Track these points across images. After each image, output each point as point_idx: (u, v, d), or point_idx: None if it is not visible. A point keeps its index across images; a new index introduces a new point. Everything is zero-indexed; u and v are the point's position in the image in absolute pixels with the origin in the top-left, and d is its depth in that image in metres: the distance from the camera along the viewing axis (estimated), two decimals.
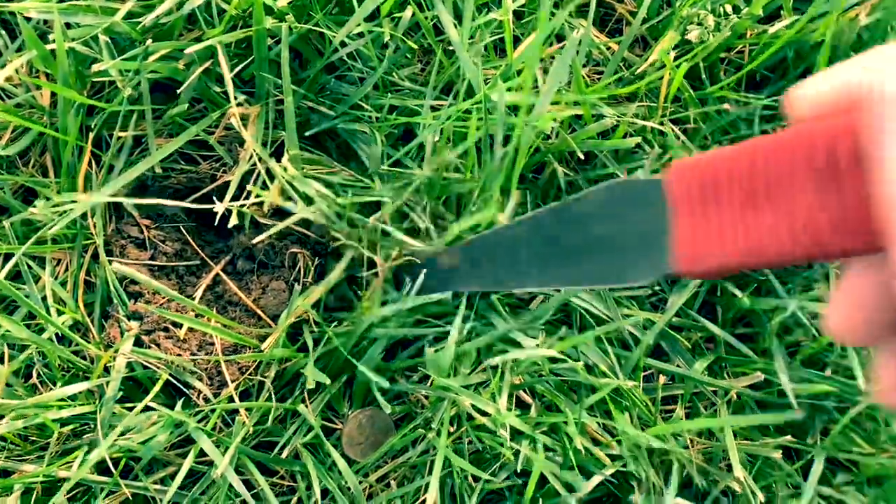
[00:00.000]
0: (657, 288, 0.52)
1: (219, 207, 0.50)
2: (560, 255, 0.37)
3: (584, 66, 0.56)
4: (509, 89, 0.50)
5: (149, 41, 0.50)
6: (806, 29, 0.50)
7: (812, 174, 0.27)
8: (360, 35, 0.53)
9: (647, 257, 0.33)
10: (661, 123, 0.51)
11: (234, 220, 0.50)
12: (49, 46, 0.50)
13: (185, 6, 0.51)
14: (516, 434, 0.48)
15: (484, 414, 0.48)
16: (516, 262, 0.40)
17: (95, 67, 0.49)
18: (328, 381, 0.48)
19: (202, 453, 0.49)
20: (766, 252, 0.28)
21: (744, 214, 0.28)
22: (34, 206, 0.51)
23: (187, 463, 0.47)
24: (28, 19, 0.53)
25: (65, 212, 0.52)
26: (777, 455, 0.46)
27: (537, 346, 0.45)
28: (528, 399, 0.51)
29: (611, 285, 0.35)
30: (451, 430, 0.49)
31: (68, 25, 0.53)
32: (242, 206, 0.51)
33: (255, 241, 0.52)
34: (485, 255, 0.43)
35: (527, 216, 0.40)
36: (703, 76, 0.54)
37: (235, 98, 0.55)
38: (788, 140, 0.27)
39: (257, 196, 0.51)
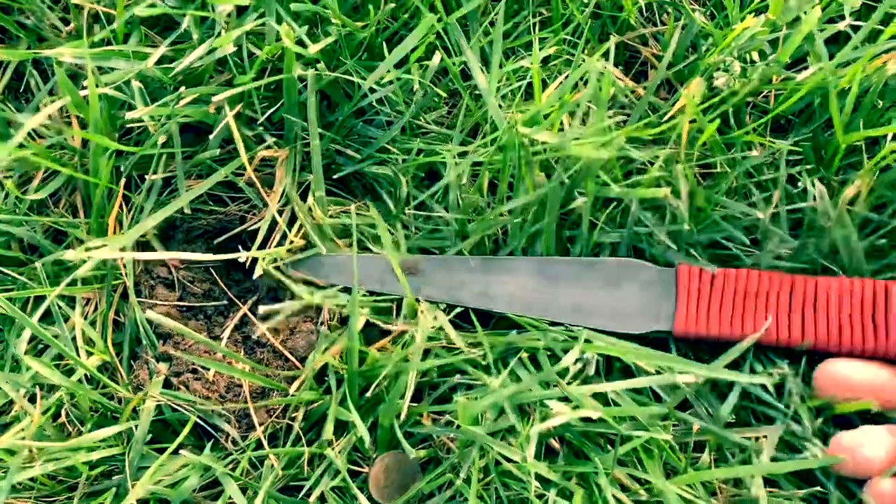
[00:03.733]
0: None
1: (243, 256, 0.51)
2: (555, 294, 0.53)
3: (610, 108, 0.57)
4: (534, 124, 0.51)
5: (182, 88, 0.51)
6: (832, 76, 0.50)
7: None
8: (389, 82, 0.53)
9: (651, 316, 0.51)
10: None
11: (258, 272, 0.50)
12: (82, 92, 0.50)
13: (217, 52, 0.52)
14: (544, 482, 0.48)
15: (511, 461, 0.48)
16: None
17: (130, 115, 0.50)
18: (358, 421, 0.48)
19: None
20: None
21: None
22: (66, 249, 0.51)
23: None
24: (60, 63, 0.54)
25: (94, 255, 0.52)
26: None
27: (578, 402, 0.46)
28: (556, 445, 0.51)
29: (613, 329, 0.52)
30: (480, 476, 0.49)
31: (101, 69, 0.53)
32: (266, 254, 0.52)
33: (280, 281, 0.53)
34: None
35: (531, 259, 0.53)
36: (731, 121, 0.54)
37: (264, 141, 0.56)
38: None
39: (279, 245, 0.52)
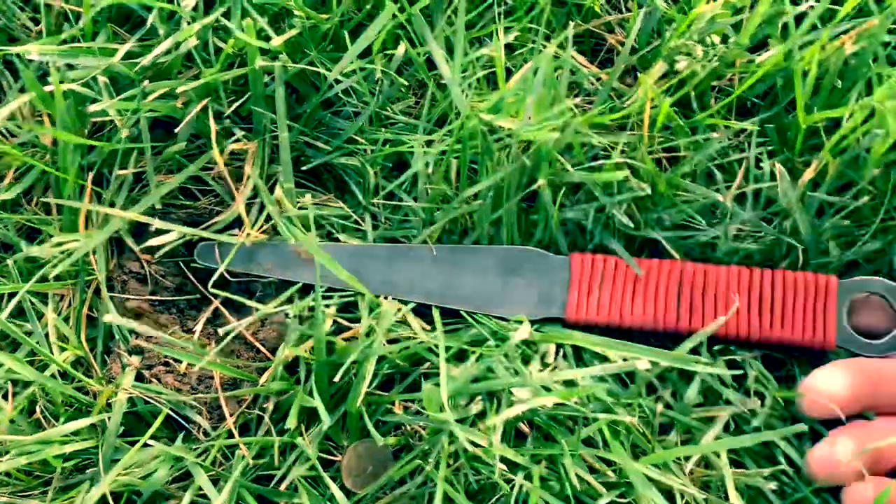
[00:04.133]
0: None
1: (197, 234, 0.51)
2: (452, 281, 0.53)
3: (576, 96, 0.57)
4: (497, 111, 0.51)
5: (146, 82, 0.51)
6: (792, 57, 0.50)
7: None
8: (354, 72, 0.53)
9: (545, 303, 0.52)
10: (650, 153, 0.52)
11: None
12: (48, 88, 0.51)
13: (182, 46, 0.53)
14: (513, 466, 0.49)
15: (479, 446, 0.48)
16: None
17: (91, 108, 0.50)
18: (321, 406, 0.48)
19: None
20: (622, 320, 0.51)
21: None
22: (37, 245, 0.52)
23: (187, 498, 0.48)
24: (31, 61, 0.55)
25: (67, 251, 0.53)
26: (771, 486, 0.47)
27: (541, 389, 0.46)
28: (526, 429, 0.51)
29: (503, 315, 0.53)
30: (450, 462, 0.49)
31: (71, 66, 0.54)
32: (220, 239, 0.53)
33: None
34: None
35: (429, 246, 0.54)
36: (694, 105, 0.54)
37: (233, 135, 0.56)
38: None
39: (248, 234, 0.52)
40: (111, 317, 0.48)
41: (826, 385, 0.47)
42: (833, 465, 0.46)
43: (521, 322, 0.50)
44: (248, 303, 0.53)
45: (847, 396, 0.46)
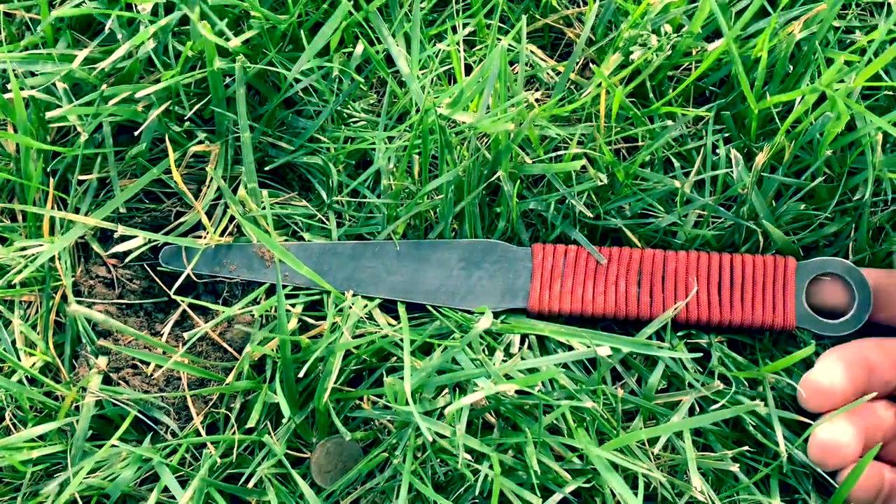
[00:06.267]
0: None
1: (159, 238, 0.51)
2: (419, 275, 0.54)
3: (536, 89, 0.57)
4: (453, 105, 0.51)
5: (104, 86, 0.51)
6: (745, 45, 0.51)
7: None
8: (313, 71, 0.54)
9: (509, 294, 0.53)
10: (609, 143, 0.52)
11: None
12: (8, 95, 0.51)
13: (141, 50, 0.53)
14: (481, 456, 0.49)
15: (444, 437, 0.48)
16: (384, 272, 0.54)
17: (50, 114, 0.50)
18: (283, 401, 0.48)
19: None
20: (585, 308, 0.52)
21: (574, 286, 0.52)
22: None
23: (152, 498, 0.48)
24: None
25: (31, 256, 0.53)
26: (734, 468, 0.47)
27: (497, 378, 0.46)
28: (493, 420, 0.51)
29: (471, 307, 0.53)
30: (417, 455, 0.49)
31: (33, 73, 0.54)
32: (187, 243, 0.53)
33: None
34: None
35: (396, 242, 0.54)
36: (651, 95, 0.55)
37: (196, 136, 0.56)
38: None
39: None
40: (76, 307, 0.48)
41: (827, 378, 0.47)
42: (835, 451, 0.46)
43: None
44: (213, 306, 0.53)
45: (846, 387, 0.47)
